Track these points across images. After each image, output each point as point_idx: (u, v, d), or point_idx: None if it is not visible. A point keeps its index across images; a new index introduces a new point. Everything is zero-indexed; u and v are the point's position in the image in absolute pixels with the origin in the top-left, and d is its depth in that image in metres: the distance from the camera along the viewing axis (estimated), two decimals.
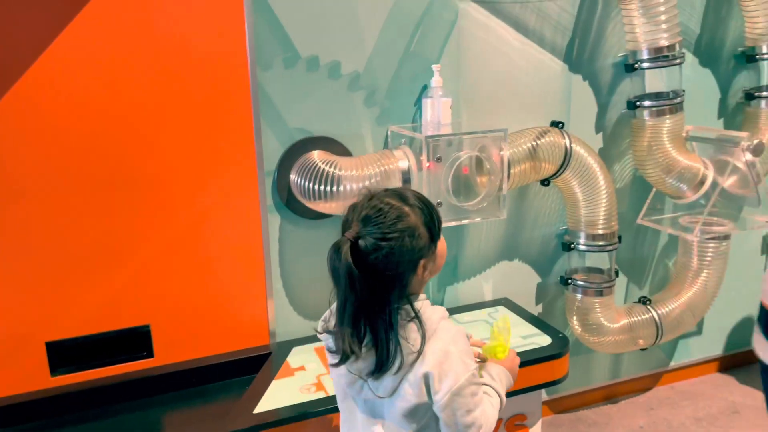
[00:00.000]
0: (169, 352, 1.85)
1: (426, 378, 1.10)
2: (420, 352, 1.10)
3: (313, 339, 2.00)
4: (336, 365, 1.15)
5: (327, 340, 1.20)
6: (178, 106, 1.73)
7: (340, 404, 1.28)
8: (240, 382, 1.83)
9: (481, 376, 1.25)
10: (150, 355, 1.84)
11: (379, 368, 1.10)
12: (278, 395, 1.67)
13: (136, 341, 1.82)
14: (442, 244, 1.20)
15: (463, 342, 1.16)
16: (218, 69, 1.74)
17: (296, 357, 1.89)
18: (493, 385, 1.25)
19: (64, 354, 1.75)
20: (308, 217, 1.95)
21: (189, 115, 1.74)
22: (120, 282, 1.77)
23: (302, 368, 1.82)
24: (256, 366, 1.86)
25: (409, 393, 1.11)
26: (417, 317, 1.11)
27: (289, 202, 1.92)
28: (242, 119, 1.79)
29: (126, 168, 1.71)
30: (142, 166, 1.72)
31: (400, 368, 1.10)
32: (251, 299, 1.92)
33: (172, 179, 1.76)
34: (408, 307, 1.12)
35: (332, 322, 1.18)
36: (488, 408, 1.18)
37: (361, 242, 1.07)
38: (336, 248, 1.08)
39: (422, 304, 1.15)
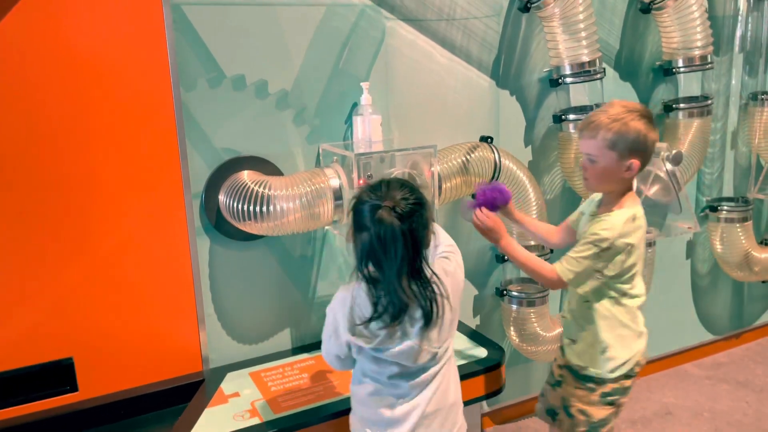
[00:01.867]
0: (95, 384, 1.77)
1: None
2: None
3: (248, 363, 1.96)
4: (421, 328, 1.36)
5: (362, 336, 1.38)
6: (97, 128, 1.67)
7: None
8: (172, 411, 1.77)
9: None
10: (74, 389, 1.75)
11: (428, 320, 1.36)
12: (211, 424, 1.62)
13: (58, 375, 1.73)
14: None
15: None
16: (139, 90, 1.69)
17: (230, 383, 1.84)
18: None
19: None
20: (239, 239, 1.91)
21: (108, 137, 1.68)
22: (39, 313, 1.68)
23: (236, 394, 1.77)
24: (188, 394, 1.80)
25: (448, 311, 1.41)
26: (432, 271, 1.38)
27: (219, 224, 1.88)
28: (166, 140, 1.75)
29: (41, 192, 1.64)
30: (59, 191, 1.65)
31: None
32: (181, 325, 1.87)
33: (93, 204, 1.69)
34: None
35: (359, 322, 1.36)
36: None
37: (397, 209, 1.30)
38: (380, 219, 1.30)
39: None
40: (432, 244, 1.45)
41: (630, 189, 1.70)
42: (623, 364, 1.70)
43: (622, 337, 1.69)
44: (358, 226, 1.35)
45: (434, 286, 1.37)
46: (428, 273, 1.37)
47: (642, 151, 1.61)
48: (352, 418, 1.52)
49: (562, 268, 1.64)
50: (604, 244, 1.60)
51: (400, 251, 1.30)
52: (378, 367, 1.41)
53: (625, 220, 1.61)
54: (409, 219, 1.31)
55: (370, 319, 1.35)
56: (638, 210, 1.66)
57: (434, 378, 1.44)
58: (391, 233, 1.30)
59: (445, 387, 1.46)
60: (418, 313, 1.36)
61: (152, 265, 1.79)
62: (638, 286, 1.70)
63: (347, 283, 1.41)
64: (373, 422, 1.45)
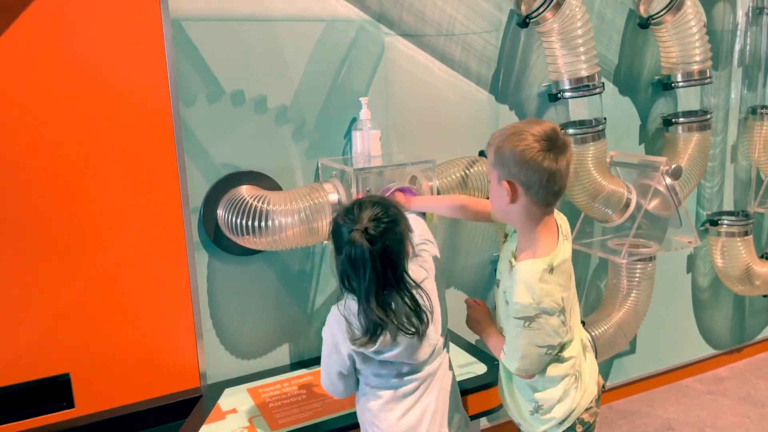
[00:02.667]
0: (92, 401, 1.76)
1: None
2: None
3: (246, 379, 1.95)
4: (368, 342, 1.36)
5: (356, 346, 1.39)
6: (95, 144, 1.67)
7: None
8: (169, 428, 1.76)
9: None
10: (70, 405, 1.74)
11: (418, 325, 1.38)
12: None
13: (54, 391, 1.72)
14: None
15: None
16: (138, 105, 1.69)
17: (228, 399, 1.83)
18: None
19: None
20: (237, 254, 1.91)
21: (107, 151, 1.68)
22: (35, 328, 1.67)
23: (234, 411, 1.76)
24: (185, 410, 1.78)
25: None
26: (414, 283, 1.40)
27: (217, 239, 1.87)
28: (164, 155, 1.75)
29: (40, 207, 1.63)
30: (56, 205, 1.65)
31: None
32: (179, 340, 1.85)
33: (90, 219, 1.69)
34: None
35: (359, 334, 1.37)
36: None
37: (371, 231, 1.32)
38: (352, 241, 1.31)
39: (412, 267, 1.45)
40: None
41: (539, 224, 1.42)
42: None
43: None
44: (336, 247, 1.39)
45: (417, 296, 1.38)
46: (410, 283, 1.38)
47: (518, 174, 1.35)
48: None
49: (506, 359, 1.47)
50: (532, 312, 1.38)
51: (368, 273, 1.32)
52: (384, 370, 1.43)
53: (540, 277, 1.38)
54: (382, 239, 1.32)
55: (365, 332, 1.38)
56: (555, 256, 1.41)
57: (437, 371, 1.47)
58: (361, 255, 1.32)
59: (447, 380, 1.51)
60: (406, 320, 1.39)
61: (150, 280, 1.78)
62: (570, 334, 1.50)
63: (337, 304, 1.43)
64: None
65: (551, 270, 1.40)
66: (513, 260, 1.46)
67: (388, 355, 1.40)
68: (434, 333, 1.44)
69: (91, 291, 1.72)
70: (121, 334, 1.77)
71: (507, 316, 1.45)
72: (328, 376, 1.49)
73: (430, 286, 1.45)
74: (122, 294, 1.76)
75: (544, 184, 1.35)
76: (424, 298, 1.40)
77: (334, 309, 1.43)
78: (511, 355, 1.46)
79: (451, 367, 1.54)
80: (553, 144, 1.34)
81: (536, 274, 1.39)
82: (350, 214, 1.36)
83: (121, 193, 1.71)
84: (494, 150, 1.39)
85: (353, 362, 1.44)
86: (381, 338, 1.37)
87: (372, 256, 1.31)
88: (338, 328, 1.41)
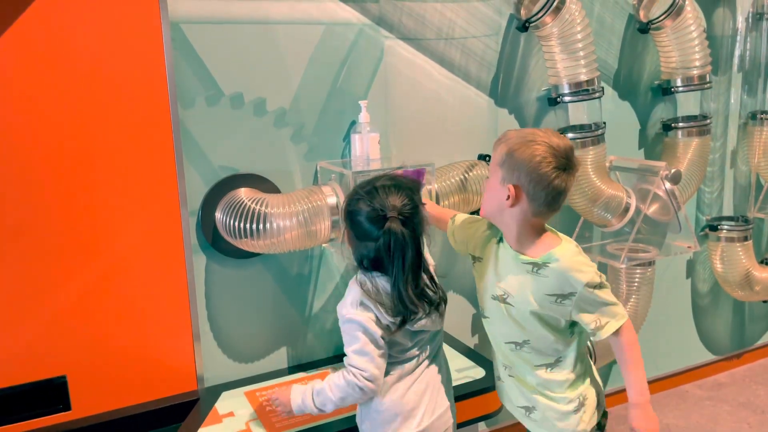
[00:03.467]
0: (88, 403, 1.75)
1: None
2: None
3: (243, 382, 1.94)
4: (424, 316, 1.42)
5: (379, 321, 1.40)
6: (94, 145, 1.67)
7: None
8: (166, 431, 1.75)
9: None
10: (67, 408, 1.73)
11: (437, 304, 1.46)
12: None
13: (51, 394, 1.71)
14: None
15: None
16: (136, 107, 1.69)
17: (225, 402, 1.82)
18: None
19: None
20: (235, 257, 1.90)
21: (105, 154, 1.68)
22: (32, 330, 1.67)
23: (231, 414, 1.75)
24: (182, 414, 1.78)
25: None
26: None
27: (215, 242, 1.87)
28: (162, 158, 1.74)
29: (38, 208, 1.63)
30: (54, 208, 1.65)
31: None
32: (176, 343, 1.85)
33: (87, 221, 1.68)
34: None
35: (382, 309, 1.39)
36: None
37: (405, 216, 1.35)
38: (391, 229, 1.33)
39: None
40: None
41: (533, 229, 1.42)
42: None
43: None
44: (360, 234, 1.40)
45: (437, 287, 1.47)
46: (428, 261, 1.46)
47: (526, 183, 1.34)
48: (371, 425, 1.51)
49: (615, 322, 1.41)
50: (598, 278, 1.40)
51: (408, 257, 1.36)
52: (408, 340, 1.46)
53: (579, 251, 1.43)
54: (413, 223, 1.37)
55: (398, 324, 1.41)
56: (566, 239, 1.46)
57: (438, 348, 1.55)
58: (401, 242, 1.35)
59: (444, 361, 1.59)
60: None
61: (147, 282, 1.77)
62: None
63: (345, 300, 1.44)
64: (394, 413, 1.46)
65: (578, 247, 1.45)
66: (524, 257, 1.43)
67: (417, 325, 1.43)
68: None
69: (88, 293, 1.72)
70: (119, 337, 1.77)
71: (554, 309, 1.42)
72: (361, 363, 1.39)
73: (430, 259, 1.52)
74: (120, 296, 1.75)
75: (549, 201, 1.36)
76: (440, 287, 1.49)
77: (349, 298, 1.41)
78: (616, 315, 1.41)
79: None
80: (568, 163, 1.34)
81: (573, 249, 1.42)
82: (374, 198, 1.37)
83: (119, 195, 1.71)
84: (506, 151, 1.36)
85: (384, 342, 1.41)
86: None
87: (411, 240, 1.35)
88: (363, 314, 1.39)
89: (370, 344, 1.39)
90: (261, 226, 1.75)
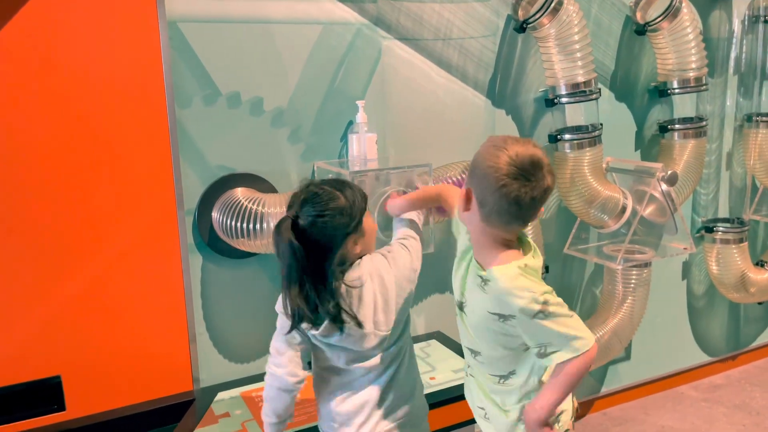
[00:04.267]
0: (83, 404, 1.74)
1: None
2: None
3: (239, 383, 1.93)
4: (290, 330, 1.37)
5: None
6: (89, 144, 1.66)
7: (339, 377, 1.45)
8: None
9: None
10: (61, 408, 1.72)
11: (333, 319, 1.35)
12: None
13: (45, 394, 1.71)
14: (369, 224, 1.44)
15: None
16: (133, 107, 1.69)
17: (221, 403, 1.82)
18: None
19: None
20: (232, 257, 1.90)
21: (101, 153, 1.68)
22: (27, 330, 1.66)
23: (227, 415, 1.74)
24: (178, 414, 1.77)
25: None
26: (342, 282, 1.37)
27: (212, 242, 1.86)
28: (159, 157, 1.74)
29: (34, 207, 1.62)
30: (52, 208, 1.64)
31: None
32: (172, 344, 1.84)
33: (83, 220, 1.68)
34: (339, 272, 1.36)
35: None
36: None
37: (300, 220, 1.32)
38: (278, 227, 1.32)
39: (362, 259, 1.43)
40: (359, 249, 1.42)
41: (494, 241, 1.32)
42: None
43: None
44: None
45: (338, 299, 1.35)
46: (337, 277, 1.35)
47: (478, 185, 1.26)
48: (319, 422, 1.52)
49: (579, 345, 1.26)
50: (537, 306, 1.25)
51: (289, 262, 1.31)
52: (332, 354, 1.42)
53: (519, 273, 1.27)
54: (311, 229, 1.31)
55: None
56: (527, 260, 1.31)
57: (388, 366, 1.46)
58: (281, 245, 1.32)
59: (401, 372, 1.48)
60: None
61: (143, 282, 1.77)
62: None
63: None
64: (330, 418, 1.46)
65: (526, 268, 1.29)
66: (477, 268, 1.35)
67: (334, 340, 1.39)
68: (383, 320, 1.42)
69: (83, 293, 1.71)
70: (114, 337, 1.76)
71: (515, 330, 1.30)
72: (274, 342, 1.45)
73: (389, 279, 1.43)
74: (115, 296, 1.74)
75: (500, 209, 1.25)
76: (353, 294, 1.37)
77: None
78: (569, 345, 1.26)
79: (407, 361, 1.50)
80: (523, 173, 1.22)
81: (515, 271, 1.28)
82: (294, 197, 1.37)
83: (114, 194, 1.71)
84: (474, 154, 1.31)
85: (300, 339, 1.41)
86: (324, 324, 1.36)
87: (292, 247, 1.29)
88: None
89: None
90: (258, 225, 1.74)
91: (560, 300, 1.28)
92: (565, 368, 1.28)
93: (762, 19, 2.79)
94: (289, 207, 1.38)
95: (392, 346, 1.47)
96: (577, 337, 1.26)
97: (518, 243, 1.35)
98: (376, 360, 1.44)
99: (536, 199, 1.25)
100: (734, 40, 2.81)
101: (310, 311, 1.33)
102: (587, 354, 1.27)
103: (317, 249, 1.32)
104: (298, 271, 1.32)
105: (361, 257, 1.43)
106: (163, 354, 1.84)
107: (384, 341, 1.44)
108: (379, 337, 1.42)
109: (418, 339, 2.24)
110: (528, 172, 1.23)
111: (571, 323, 1.27)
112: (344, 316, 1.36)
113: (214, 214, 1.82)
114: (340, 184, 1.40)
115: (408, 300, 1.49)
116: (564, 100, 2.26)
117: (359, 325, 1.38)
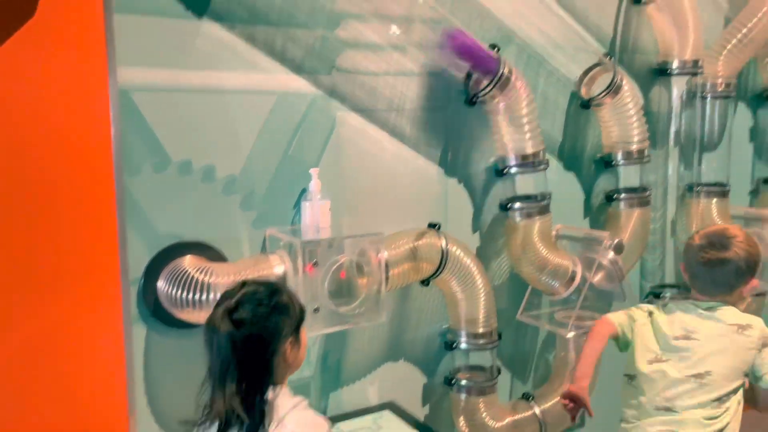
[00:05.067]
0: None
1: None
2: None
3: None
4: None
5: None
6: (31, 209, 1.62)
7: None
8: None
9: None
10: None
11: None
12: None
13: None
14: (304, 336, 1.37)
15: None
16: (78, 174, 1.66)
17: None
18: None
19: None
20: (178, 327, 1.84)
21: (42, 218, 1.63)
22: None
23: None
24: None
25: None
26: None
27: (157, 311, 1.81)
28: (104, 225, 1.70)
29: None
30: None
31: None
32: (109, 417, 1.76)
33: (21, 286, 1.62)
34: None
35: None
36: None
37: (236, 315, 1.24)
38: (211, 321, 1.25)
39: (282, 392, 1.30)
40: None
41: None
42: None
43: None
44: None
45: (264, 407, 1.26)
46: (268, 397, 1.26)
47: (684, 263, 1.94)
48: None
49: None
50: None
51: (219, 357, 1.25)
52: None
53: None
54: (250, 325, 1.25)
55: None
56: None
57: None
58: (213, 341, 1.26)
59: None
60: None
61: (81, 354, 1.70)
62: None
63: None
64: None
65: None
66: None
67: None
68: None
69: (16, 363, 1.62)
70: (49, 410, 1.67)
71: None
72: None
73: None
74: (50, 368, 1.66)
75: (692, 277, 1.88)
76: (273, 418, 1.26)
77: None
78: None
79: None
80: (711, 244, 1.80)
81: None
82: (229, 291, 1.32)
83: (55, 261, 1.65)
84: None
85: None
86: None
87: (232, 339, 1.23)
88: None
89: None
90: (204, 296, 1.71)
91: None
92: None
93: (699, 95, 2.96)
94: (225, 298, 1.31)
95: None
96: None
97: None
98: None
99: (728, 260, 1.83)
100: (674, 115, 2.95)
101: (245, 411, 1.22)
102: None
103: (258, 343, 1.25)
104: (236, 367, 1.24)
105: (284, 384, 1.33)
106: (99, 428, 1.74)
107: None
108: None
109: (369, 410, 2.19)
110: (711, 242, 1.87)
111: None
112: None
113: (160, 284, 1.78)
114: (278, 285, 1.38)
115: None
116: (513, 170, 2.32)
117: None
